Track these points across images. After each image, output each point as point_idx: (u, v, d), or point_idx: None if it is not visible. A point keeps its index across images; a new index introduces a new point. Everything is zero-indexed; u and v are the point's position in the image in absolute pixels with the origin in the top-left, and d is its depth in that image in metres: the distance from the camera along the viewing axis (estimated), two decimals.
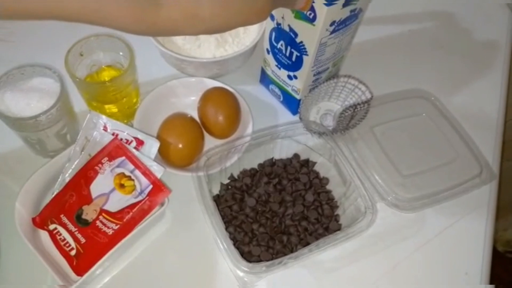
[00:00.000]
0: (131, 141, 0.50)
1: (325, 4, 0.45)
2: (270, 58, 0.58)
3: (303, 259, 0.46)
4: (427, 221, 0.54)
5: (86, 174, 0.48)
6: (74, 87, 0.53)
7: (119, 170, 0.48)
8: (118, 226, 0.47)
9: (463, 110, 0.62)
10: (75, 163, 0.50)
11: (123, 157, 0.48)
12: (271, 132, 0.54)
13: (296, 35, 0.51)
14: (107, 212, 0.47)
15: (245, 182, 0.53)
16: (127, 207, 0.47)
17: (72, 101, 0.54)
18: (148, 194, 0.48)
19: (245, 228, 0.50)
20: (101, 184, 0.48)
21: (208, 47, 0.59)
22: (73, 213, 0.47)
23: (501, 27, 0.75)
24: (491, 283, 0.51)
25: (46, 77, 0.50)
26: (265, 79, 0.63)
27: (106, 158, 0.49)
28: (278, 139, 0.55)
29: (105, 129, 0.50)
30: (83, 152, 0.50)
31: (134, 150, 0.49)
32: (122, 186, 0.48)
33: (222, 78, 0.61)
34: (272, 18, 0.54)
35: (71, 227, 0.47)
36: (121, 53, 0.54)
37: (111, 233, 0.47)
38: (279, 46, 0.55)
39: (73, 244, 0.47)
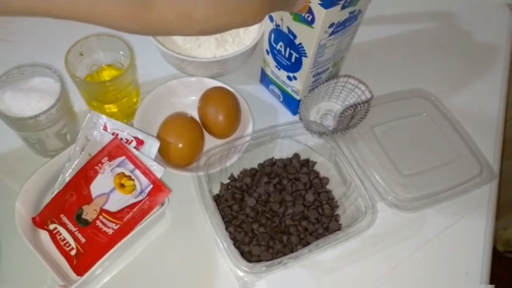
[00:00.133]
0: (131, 141, 0.50)
1: (322, 5, 0.45)
2: (269, 58, 0.58)
3: (303, 259, 0.46)
4: (427, 221, 0.54)
5: (86, 173, 0.48)
6: (74, 87, 0.53)
7: (119, 170, 0.48)
8: (118, 226, 0.47)
9: (463, 110, 0.62)
10: (75, 162, 0.50)
11: (123, 157, 0.48)
12: (271, 132, 0.54)
13: (295, 37, 0.51)
14: (107, 212, 0.47)
15: (245, 182, 0.53)
16: (127, 207, 0.47)
17: (72, 100, 0.54)
18: (148, 194, 0.48)
19: (245, 228, 0.50)
20: (101, 184, 0.48)
21: (208, 47, 0.59)
22: (73, 213, 0.47)
23: (501, 27, 0.75)
24: (491, 282, 0.51)
25: (46, 76, 0.50)
26: (265, 79, 0.63)
27: (106, 158, 0.49)
28: (278, 139, 0.55)
29: (105, 128, 0.50)
30: (83, 152, 0.50)
31: (134, 150, 0.49)
32: (122, 186, 0.48)
33: (222, 78, 0.61)
34: (271, 19, 0.54)
35: (71, 227, 0.47)
36: (121, 53, 0.54)
37: (111, 233, 0.47)
38: (278, 47, 0.55)
39: (73, 244, 0.47)
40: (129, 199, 0.48)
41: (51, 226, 0.48)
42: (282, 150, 0.56)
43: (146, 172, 0.48)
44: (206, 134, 0.57)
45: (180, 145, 0.53)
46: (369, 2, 0.51)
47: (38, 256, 0.44)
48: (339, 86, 0.60)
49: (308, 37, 0.49)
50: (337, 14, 0.47)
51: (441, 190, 0.53)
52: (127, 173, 0.48)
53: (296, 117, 0.61)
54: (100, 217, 0.47)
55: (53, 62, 0.53)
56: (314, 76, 0.56)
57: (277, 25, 0.53)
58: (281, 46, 0.55)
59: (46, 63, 0.51)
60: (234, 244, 0.47)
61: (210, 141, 0.57)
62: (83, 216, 0.47)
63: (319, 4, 0.45)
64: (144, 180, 0.48)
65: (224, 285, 0.49)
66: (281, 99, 0.62)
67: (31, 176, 0.48)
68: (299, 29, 0.50)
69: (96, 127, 0.50)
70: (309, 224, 0.51)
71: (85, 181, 0.48)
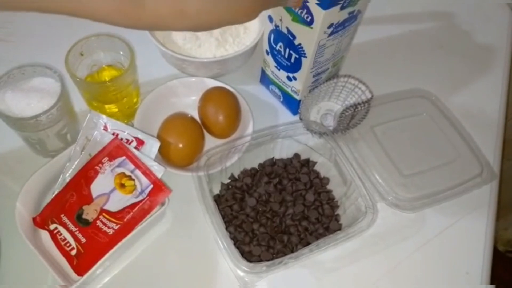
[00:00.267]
0: (132, 141, 0.50)
1: (321, 6, 0.45)
2: (269, 59, 0.58)
3: (304, 259, 0.46)
4: (427, 221, 0.54)
5: (87, 174, 0.48)
6: (74, 87, 0.53)
7: (119, 170, 0.48)
8: (118, 226, 0.47)
9: (464, 109, 0.62)
10: (76, 163, 0.50)
11: (124, 157, 0.48)
12: (271, 132, 0.54)
13: (294, 37, 0.51)
14: (108, 212, 0.47)
15: (246, 182, 0.53)
16: (128, 207, 0.47)
17: (72, 101, 0.54)
18: (149, 194, 0.48)
19: (246, 228, 0.50)
20: (101, 184, 0.48)
21: (208, 47, 0.59)
22: (73, 213, 0.47)
23: (501, 27, 0.75)
24: (491, 282, 0.51)
25: (46, 77, 0.50)
26: (265, 79, 0.63)
27: (106, 158, 0.49)
28: (279, 139, 0.55)
29: (105, 129, 0.50)
30: (83, 152, 0.50)
31: (134, 150, 0.49)
32: (122, 186, 0.48)
33: (223, 78, 0.61)
34: (271, 19, 0.54)
35: (71, 227, 0.47)
36: (121, 53, 0.54)
37: (111, 233, 0.47)
38: (278, 47, 0.55)
39: (73, 244, 0.47)
40: (130, 199, 0.48)
41: (52, 226, 0.48)
42: (282, 150, 0.56)
43: (147, 172, 0.48)
44: (206, 134, 0.57)
45: (181, 145, 0.53)
46: (368, 2, 0.51)
47: (38, 256, 0.44)
48: (339, 86, 0.60)
49: (308, 38, 0.49)
50: (336, 14, 0.47)
51: (442, 190, 0.53)
52: (128, 173, 0.48)
53: (296, 117, 0.61)
54: (101, 217, 0.47)
55: (54, 62, 0.53)
56: (314, 76, 0.56)
57: (277, 26, 0.53)
58: (280, 47, 0.55)
59: (47, 63, 0.51)
60: (235, 244, 0.47)
61: (210, 141, 0.57)
62: (84, 216, 0.47)
63: (318, 4, 0.45)
64: (144, 180, 0.48)
65: (225, 285, 0.49)
66: (281, 99, 0.62)
67: (32, 176, 0.49)
68: (298, 29, 0.50)
69: (97, 127, 0.50)
70: (310, 224, 0.51)
71: (86, 181, 0.48)
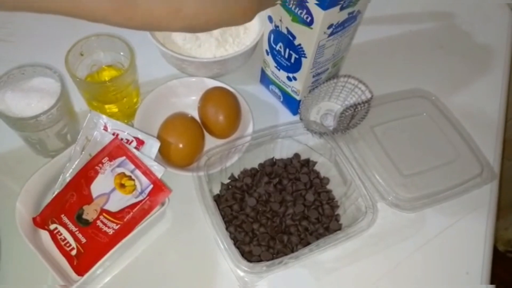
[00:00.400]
0: (132, 141, 0.50)
1: (320, 7, 0.45)
2: (269, 59, 0.58)
3: (304, 259, 0.46)
4: (427, 221, 0.54)
5: (87, 174, 0.48)
6: (74, 87, 0.53)
7: (119, 170, 0.48)
8: (118, 226, 0.47)
9: (464, 109, 0.62)
10: (76, 163, 0.50)
11: (124, 157, 0.48)
12: (271, 132, 0.54)
13: (294, 37, 0.51)
14: (108, 212, 0.47)
15: (246, 182, 0.53)
16: (128, 207, 0.47)
17: (72, 101, 0.54)
18: (149, 194, 0.48)
19: (246, 228, 0.50)
20: (101, 184, 0.48)
21: (208, 47, 0.59)
22: (73, 213, 0.47)
23: (501, 27, 0.75)
24: (491, 282, 0.51)
25: (46, 77, 0.50)
26: (265, 79, 0.63)
27: (106, 158, 0.49)
28: (279, 139, 0.55)
29: (105, 129, 0.50)
30: (83, 152, 0.50)
31: (134, 150, 0.49)
32: (122, 186, 0.48)
33: (223, 78, 0.61)
34: (270, 20, 0.54)
35: (71, 227, 0.47)
36: (121, 53, 0.54)
37: (111, 233, 0.47)
38: (277, 48, 0.55)
39: (73, 244, 0.47)
40: (130, 199, 0.48)
41: (52, 226, 0.48)
42: (282, 150, 0.56)
43: (147, 172, 0.48)
44: (206, 134, 0.57)
45: (181, 145, 0.53)
46: (368, 2, 0.51)
47: (38, 256, 0.44)
48: (339, 86, 0.60)
49: (307, 38, 0.49)
50: (336, 15, 0.47)
51: (442, 190, 0.53)
52: (128, 173, 0.48)
53: (296, 117, 0.61)
54: (101, 217, 0.47)
55: (54, 62, 0.53)
56: (314, 76, 0.56)
57: (276, 26, 0.53)
58: (280, 47, 0.55)
59: (47, 63, 0.51)
60: (235, 244, 0.47)
61: (210, 141, 0.57)
62: (84, 216, 0.47)
63: (318, 5, 0.45)
64: (144, 180, 0.48)
65: (225, 285, 0.49)
66: (281, 99, 0.62)
67: (32, 176, 0.49)
68: (298, 30, 0.50)
69: (97, 127, 0.50)
70: (310, 224, 0.51)
71: (86, 181, 0.48)
